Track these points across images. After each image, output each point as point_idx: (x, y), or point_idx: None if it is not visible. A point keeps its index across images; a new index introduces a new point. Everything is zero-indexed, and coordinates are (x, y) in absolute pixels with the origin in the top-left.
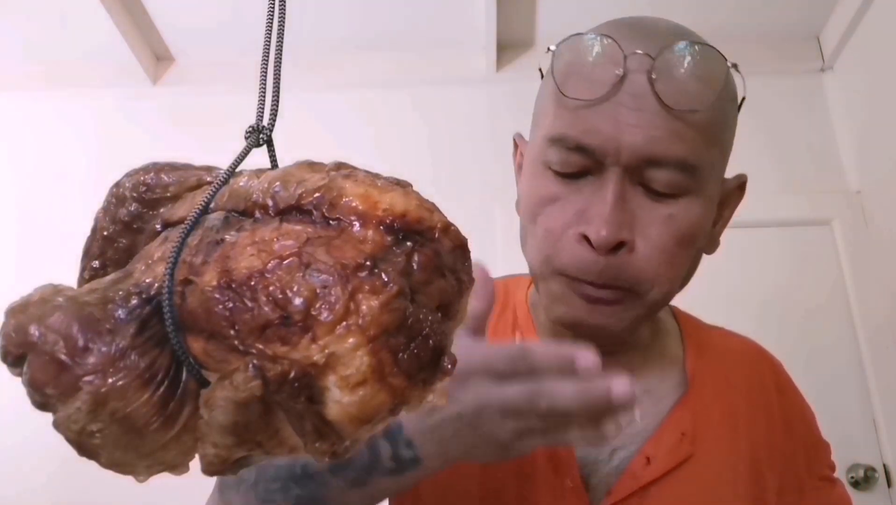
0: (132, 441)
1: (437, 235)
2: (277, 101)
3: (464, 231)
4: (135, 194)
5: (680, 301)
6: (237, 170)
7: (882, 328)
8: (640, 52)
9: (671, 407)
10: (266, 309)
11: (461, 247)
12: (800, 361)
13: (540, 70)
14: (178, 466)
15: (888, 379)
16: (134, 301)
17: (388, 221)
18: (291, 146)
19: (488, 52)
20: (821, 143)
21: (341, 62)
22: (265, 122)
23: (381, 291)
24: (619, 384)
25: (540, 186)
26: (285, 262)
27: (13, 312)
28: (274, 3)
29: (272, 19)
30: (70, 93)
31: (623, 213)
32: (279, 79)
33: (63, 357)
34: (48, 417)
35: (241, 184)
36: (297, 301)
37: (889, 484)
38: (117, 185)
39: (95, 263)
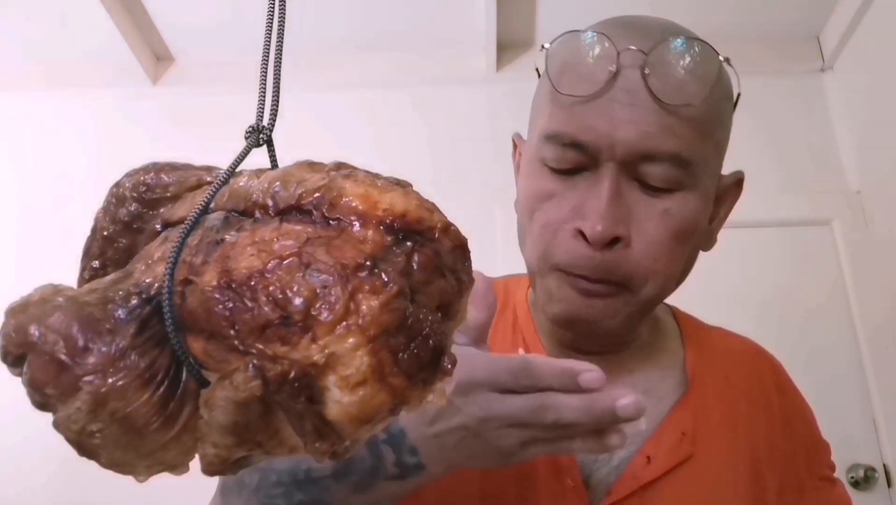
0: (132, 441)
1: (437, 235)
2: (277, 101)
3: (464, 231)
4: (135, 194)
5: (680, 301)
6: (237, 170)
7: (882, 328)
8: (633, 48)
9: (671, 407)
10: (266, 309)
11: (461, 247)
12: (800, 361)
13: (537, 70)
14: (178, 466)
15: (888, 379)
16: (134, 301)
17: (388, 221)
18: (291, 146)
19: (488, 52)
20: (821, 143)
21: (341, 62)
22: (265, 122)
23: (381, 291)
24: (625, 398)
25: (536, 183)
26: (285, 262)
27: (13, 312)
28: (274, 3)
29: (272, 19)
30: (70, 93)
31: (618, 208)
32: (279, 79)
33: (63, 357)
34: (48, 417)
35: (241, 184)
36: (297, 301)
37: (889, 484)
38: (117, 185)
39: (95, 263)
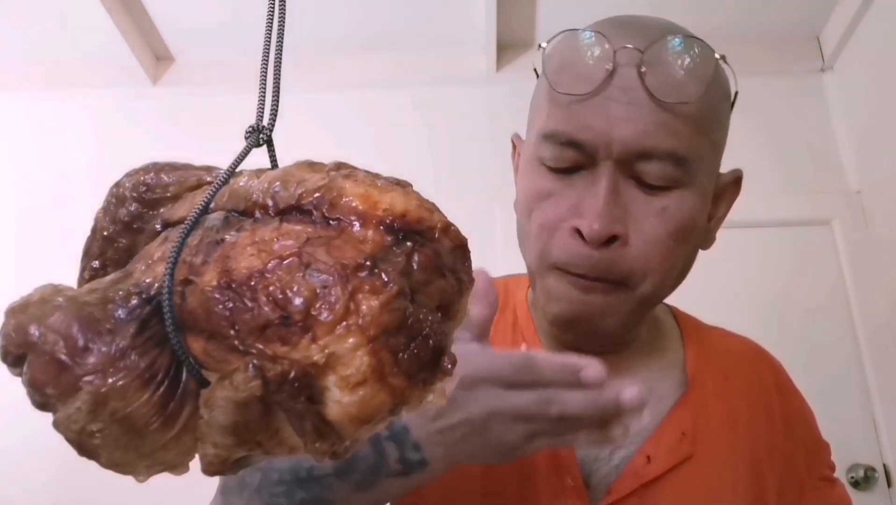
0: (132, 441)
1: (437, 235)
2: (277, 101)
3: (464, 231)
4: (135, 194)
5: (680, 301)
6: (237, 170)
7: (882, 328)
8: (629, 46)
9: (671, 407)
10: (266, 309)
11: (461, 247)
12: (800, 361)
13: (535, 70)
14: (178, 466)
15: (888, 379)
16: (134, 301)
17: (388, 221)
18: (291, 146)
19: (488, 52)
20: (821, 143)
21: (341, 62)
22: (265, 122)
23: (381, 291)
24: (629, 390)
25: (534, 182)
26: (285, 262)
27: (13, 312)
28: (274, 3)
29: (272, 19)
30: (70, 93)
31: (616, 206)
32: (279, 79)
33: (63, 357)
34: (48, 418)
35: (241, 184)
36: (297, 301)
37: (889, 484)
38: (117, 185)
39: (95, 263)
